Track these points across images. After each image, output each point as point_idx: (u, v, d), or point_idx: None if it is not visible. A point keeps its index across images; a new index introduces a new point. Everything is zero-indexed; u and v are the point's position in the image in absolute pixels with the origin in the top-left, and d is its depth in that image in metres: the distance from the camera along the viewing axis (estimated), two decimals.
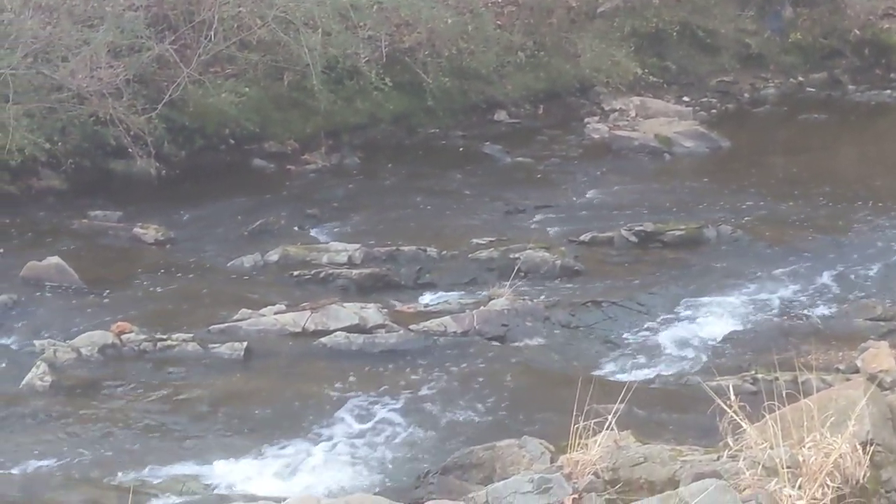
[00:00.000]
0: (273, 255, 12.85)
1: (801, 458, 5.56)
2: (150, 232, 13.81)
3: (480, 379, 9.80)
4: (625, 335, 10.92)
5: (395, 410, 9.19)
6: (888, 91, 23.12)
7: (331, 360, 10.29)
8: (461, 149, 18.55)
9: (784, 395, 6.07)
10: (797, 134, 20.38)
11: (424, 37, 19.18)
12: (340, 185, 16.45)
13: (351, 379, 9.84)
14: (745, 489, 5.47)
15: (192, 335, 10.57)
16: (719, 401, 5.94)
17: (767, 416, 5.96)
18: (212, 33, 16.97)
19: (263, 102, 17.72)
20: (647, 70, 21.80)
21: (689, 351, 10.52)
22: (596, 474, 5.88)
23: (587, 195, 16.02)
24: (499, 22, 20.90)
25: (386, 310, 11.22)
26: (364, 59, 18.21)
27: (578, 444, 6.09)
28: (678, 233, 13.57)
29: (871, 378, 6.59)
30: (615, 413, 6.09)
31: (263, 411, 9.24)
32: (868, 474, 5.52)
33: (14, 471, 8.22)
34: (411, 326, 10.82)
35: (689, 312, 11.40)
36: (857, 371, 9.34)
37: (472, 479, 6.97)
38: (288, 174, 16.96)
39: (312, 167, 17.30)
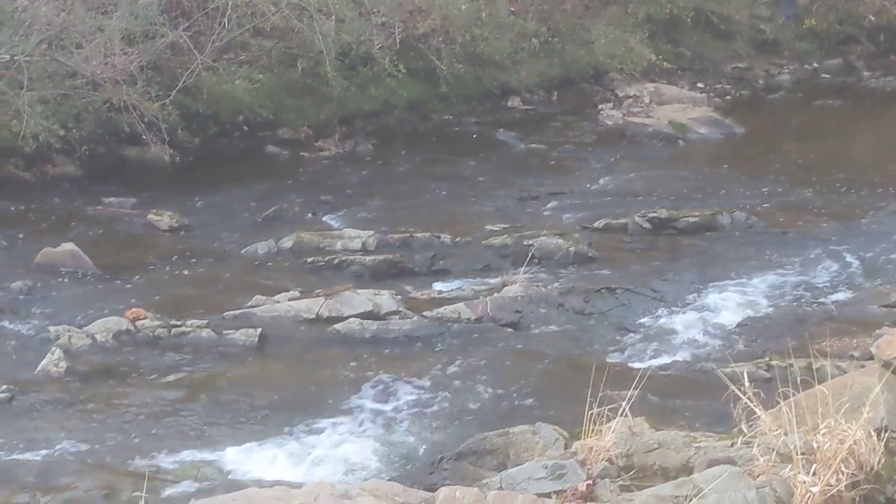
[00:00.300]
0: (287, 242, 12.86)
1: (815, 445, 5.57)
2: (164, 218, 13.83)
3: (494, 365, 9.80)
4: (639, 322, 10.91)
5: (408, 397, 9.20)
6: None
7: (345, 347, 10.30)
8: (475, 135, 18.54)
9: (798, 381, 6.07)
10: (812, 120, 20.33)
11: (438, 23, 19.17)
12: (354, 172, 16.45)
13: (365, 365, 9.85)
14: (759, 475, 5.48)
15: (206, 321, 10.59)
16: (733, 387, 5.95)
17: (782, 403, 5.97)
18: (225, 20, 16.98)
19: (277, 89, 17.73)
20: (661, 56, 21.75)
21: (704, 337, 10.50)
22: (610, 460, 5.89)
23: (601, 182, 16.01)
24: (512, 8, 20.87)
25: (400, 296, 11.22)
26: (378, 46, 18.21)
27: (592, 431, 6.10)
28: (692, 219, 13.55)
29: (886, 365, 6.58)
30: (629, 399, 6.10)
31: (278, 397, 9.25)
32: (883, 461, 5.52)
33: (29, 456, 8.24)
34: (425, 313, 10.82)
35: (703, 299, 11.39)
36: (871, 358, 9.29)
37: (486, 465, 6.98)
38: (301, 161, 16.97)
39: (326, 154, 17.30)
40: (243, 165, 16.40)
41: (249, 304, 11.03)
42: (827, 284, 11.83)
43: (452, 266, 12.40)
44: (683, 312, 11.06)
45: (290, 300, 11.05)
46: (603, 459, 5.89)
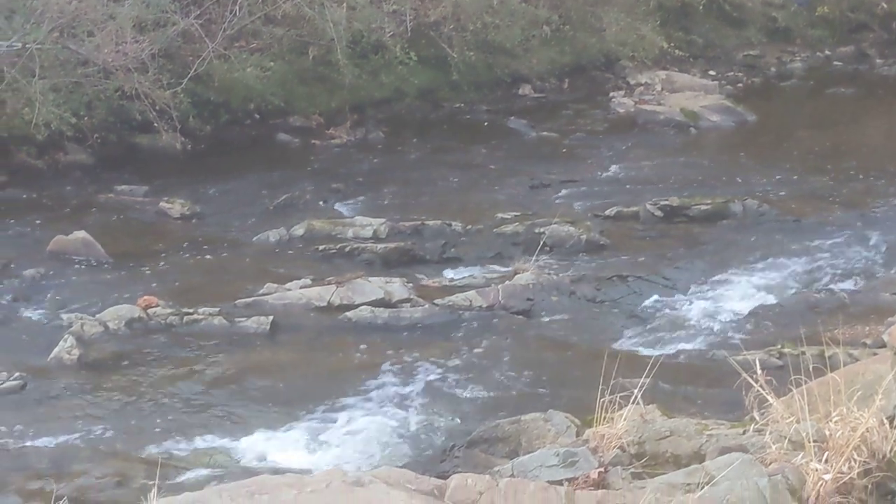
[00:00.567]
0: (298, 230, 12.87)
1: (827, 433, 5.56)
2: (175, 206, 13.84)
3: (506, 353, 9.81)
4: (650, 309, 10.90)
5: (420, 384, 9.21)
6: None
7: (356, 334, 10.32)
8: (486, 123, 18.52)
9: (811, 369, 6.06)
10: (824, 108, 20.27)
11: (449, 11, 19.13)
12: (365, 160, 16.44)
13: (376, 353, 9.86)
14: (771, 463, 5.47)
15: (218, 309, 10.61)
16: (746, 375, 5.94)
17: (794, 391, 5.96)
18: (237, 8, 16.97)
19: (288, 77, 17.72)
20: (672, 44, 21.70)
21: (715, 325, 10.50)
22: (622, 448, 5.89)
23: (612, 169, 15.98)
24: None
25: (411, 284, 11.23)
26: (389, 34, 18.19)
27: (604, 418, 6.10)
28: (704, 207, 13.53)
29: None
30: (641, 387, 6.09)
31: (289, 385, 9.27)
32: (895, 448, 5.50)
33: (42, 443, 8.27)
34: (436, 301, 10.83)
35: (714, 287, 11.38)
36: (883, 345, 9.28)
37: (498, 452, 6.99)
38: (313, 149, 16.96)
39: (337, 142, 17.29)
40: (255, 153, 16.40)
41: (261, 291, 11.04)
42: (839, 272, 11.81)
43: (464, 254, 12.40)
44: (695, 300, 11.06)
45: (301, 288, 11.06)
46: (615, 447, 5.89)
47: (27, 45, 14.69)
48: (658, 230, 13.20)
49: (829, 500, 5.31)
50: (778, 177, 15.30)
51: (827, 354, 7.11)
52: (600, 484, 5.51)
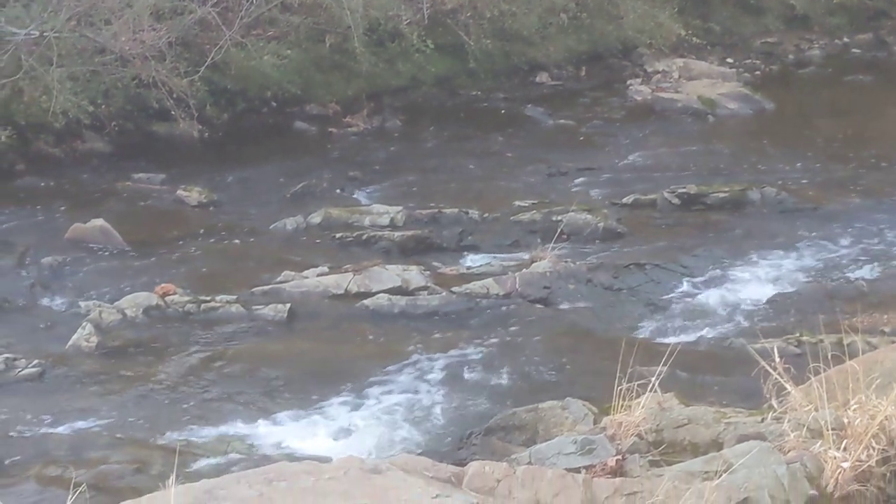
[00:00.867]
0: (316, 218, 12.88)
1: (846, 421, 5.54)
2: (193, 194, 13.86)
3: (523, 341, 9.80)
4: (668, 297, 10.88)
5: (437, 372, 9.22)
6: None
7: (373, 322, 10.32)
8: (503, 111, 18.49)
9: (829, 357, 6.04)
10: (842, 95, 20.18)
11: None
12: (382, 148, 16.44)
13: (393, 341, 9.87)
14: (789, 451, 5.46)
15: (235, 297, 10.62)
16: (764, 363, 5.93)
17: (812, 379, 5.94)
18: None
19: (305, 65, 17.71)
20: (690, 31, 21.61)
21: (733, 313, 10.48)
22: (639, 436, 5.88)
23: (630, 157, 15.95)
24: None
25: (428, 272, 11.23)
26: (406, 21, 18.17)
27: (622, 406, 6.09)
28: (722, 195, 13.50)
29: None
30: (658, 375, 6.08)
31: (307, 372, 9.28)
32: None
33: (61, 430, 8.30)
34: (453, 288, 10.83)
35: (732, 275, 11.35)
36: None
37: (515, 440, 6.99)
38: (330, 137, 16.96)
39: (354, 130, 17.29)
40: (272, 141, 16.41)
41: (278, 279, 11.05)
42: (857, 260, 11.77)
43: (481, 242, 12.40)
44: (713, 288, 11.04)
45: (318, 276, 11.07)
46: (632, 435, 5.88)
47: (45, 34, 14.71)
48: (675, 218, 13.17)
49: (847, 487, 5.30)
50: (796, 164, 15.25)
51: (845, 342, 7.06)
52: (618, 472, 5.50)
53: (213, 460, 7.70)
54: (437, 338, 9.89)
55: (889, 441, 5.43)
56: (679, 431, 5.94)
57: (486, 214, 12.98)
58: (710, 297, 10.81)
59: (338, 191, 14.34)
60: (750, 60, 22.23)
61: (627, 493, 5.12)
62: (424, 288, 10.80)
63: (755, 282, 11.15)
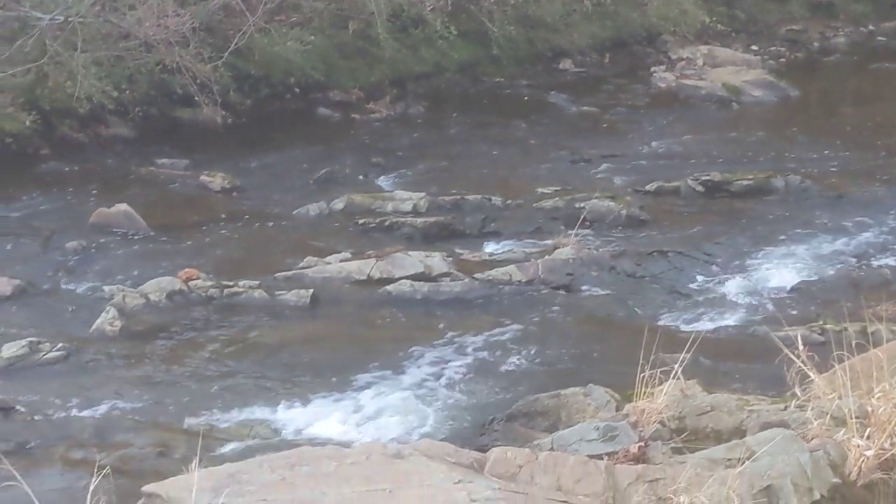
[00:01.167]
0: (338, 204, 12.89)
1: (869, 409, 5.53)
2: (216, 180, 13.89)
3: (545, 327, 9.80)
4: (691, 285, 10.86)
5: (460, 358, 9.22)
6: None
7: (396, 308, 10.33)
8: (526, 98, 18.46)
9: (853, 345, 6.02)
10: (867, 83, 20.08)
11: None
12: (405, 134, 16.44)
13: (416, 327, 9.88)
14: (812, 439, 5.45)
15: (258, 282, 10.64)
16: (787, 350, 5.91)
17: (836, 367, 5.92)
18: None
19: (328, 51, 17.72)
20: (715, 18, 21.55)
21: (757, 301, 10.44)
22: (662, 423, 5.88)
23: (653, 145, 15.91)
24: None
25: (451, 258, 11.23)
26: (429, 8, 18.16)
27: (644, 393, 6.08)
28: (746, 182, 13.46)
29: None
30: (681, 362, 6.06)
31: (330, 358, 9.29)
32: None
33: (85, 413, 8.33)
34: (476, 275, 10.82)
35: (756, 262, 11.31)
36: None
37: (538, 426, 6.99)
38: (353, 123, 16.97)
39: (377, 116, 17.29)
40: (295, 127, 16.42)
41: (301, 265, 11.07)
42: (882, 248, 11.72)
43: (503, 228, 12.39)
44: (736, 276, 11.00)
45: (341, 261, 11.08)
46: (655, 422, 5.87)
47: (69, 19, 14.76)
48: (699, 205, 13.14)
49: (870, 476, 5.29)
50: (821, 152, 15.18)
51: (869, 330, 7.06)
52: (640, 458, 5.50)
53: (235, 445, 7.72)
54: (459, 324, 9.89)
55: None
56: (702, 419, 5.94)
57: (508, 201, 12.97)
58: (734, 285, 10.78)
59: (361, 177, 14.35)
60: (775, 48, 22.15)
61: (650, 480, 5.12)
62: (447, 274, 10.80)
63: (779, 269, 11.11)
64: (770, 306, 10.32)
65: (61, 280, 10.98)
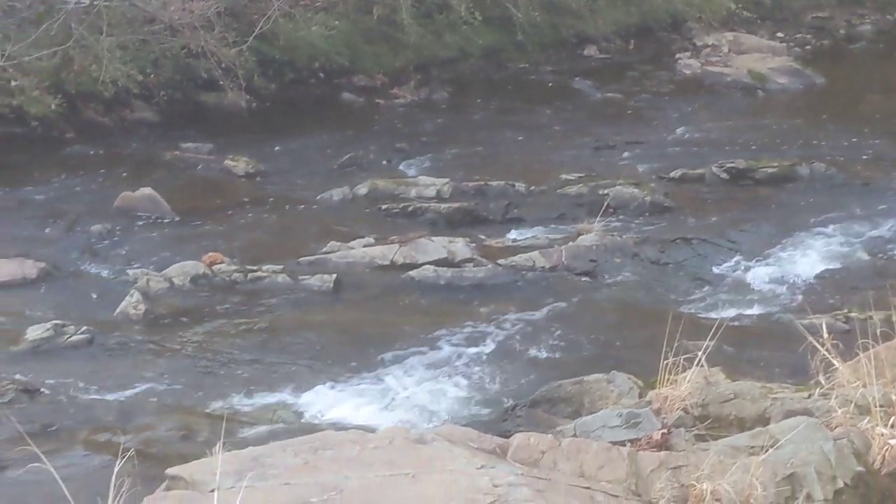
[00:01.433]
0: (362, 189, 12.90)
1: (894, 398, 5.51)
2: (240, 164, 13.91)
3: (568, 314, 9.79)
4: (715, 272, 10.83)
5: (482, 344, 9.21)
6: None
7: (419, 294, 10.33)
8: (551, 84, 18.43)
9: (878, 333, 6.00)
10: (893, 71, 19.97)
11: None
12: (429, 120, 16.43)
13: (439, 312, 9.88)
14: (836, 427, 5.43)
15: (282, 267, 10.66)
16: (812, 339, 5.89)
17: (861, 355, 5.90)
18: None
19: (353, 36, 17.72)
20: (740, 5, 21.46)
21: (781, 289, 10.41)
22: (685, 410, 5.87)
23: (678, 131, 15.87)
24: None
25: (474, 244, 11.23)
26: None
27: (668, 380, 6.07)
28: (771, 170, 13.40)
29: None
30: (705, 350, 6.04)
31: (352, 342, 9.30)
32: None
33: (109, 396, 8.37)
34: (499, 261, 10.82)
35: (780, 250, 11.27)
36: None
37: (561, 412, 6.98)
38: (377, 108, 16.98)
39: (401, 101, 17.29)
40: (319, 112, 16.44)
41: (325, 249, 11.08)
42: None
43: (527, 214, 12.38)
44: (761, 264, 10.97)
45: (365, 246, 11.09)
46: (678, 409, 5.86)
47: (95, 2, 14.80)
48: (724, 193, 13.10)
49: (894, 464, 5.27)
50: (846, 140, 15.11)
51: (894, 319, 7.01)
52: (663, 445, 5.48)
53: (259, 428, 7.74)
54: (482, 310, 9.89)
55: None
56: (725, 406, 5.92)
57: (532, 187, 12.95)
58: (758, 273, 10.74)
59: (384, 162, 14.36)
60: (800, 35, 22.05)
61: (673, 467, 5.11)
62: (470, 260, 10.80)
63: (803, 257, 11.07)
64: (794, 294, 10.28)
65: (86, 263, 11.02)
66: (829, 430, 5.37)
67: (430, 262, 10.73)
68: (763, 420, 5.75)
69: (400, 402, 8.21)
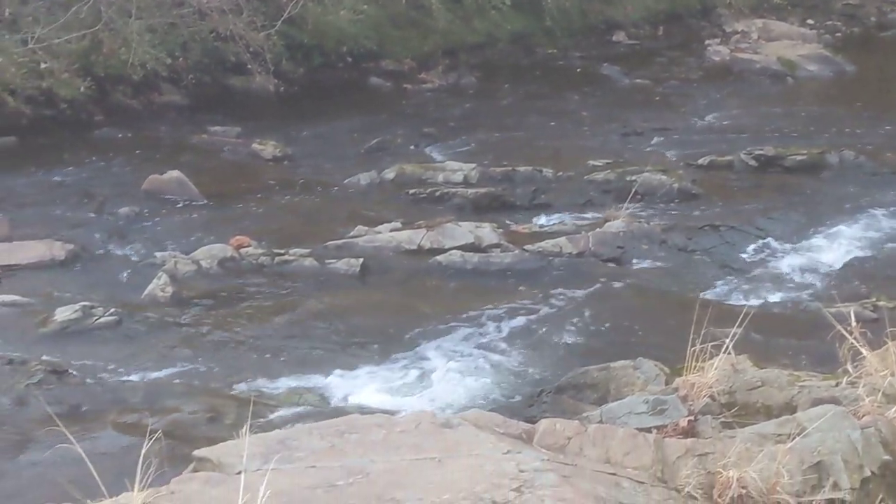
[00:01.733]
0: (389, 173, 12.90)
1: None
2: (268, 148, 13.94)
3: (595, 300, 9.78)
4: (743, 260, 10.80)
5: (509, 329, 9.21)
6: None
7: (445, 278, 10.34)
8: (579, 70, 18.39)
9: None
10: None
11: None
12: (457, 105, 16.42)
13: (465, 297, 9.88)
14: (864, 416, 5.40)
15: (309, 250, 10.68)
16: (840, 327, 5.86)
17: (889, 343, 5.87)
18: None
19: (381, 20, 17.71)
20: None
21: (809, 277, 10.37)
22: (712, 397, 5.84)
23: (706, 118, 15.82)
24: None
25: (501, 229, 11.22)
26: None
27: (694, 367, 6.04)
28: (799, 157, 13.34)
29: None
30: (732, 337, 6.02)
31: (379, 327, 9.31)
32: None
33: (136, 378, 8.40)
34: (526, 246, 10.81)
35: (809, 238, 11.23)
36: None
37: (587, 398, 6.97)
38: (404, 93, 16.97)
39: (429, 86, 17.29)
40: (347, 96, 16.45)
41: (352, 234, 11.10)
42: None
43: (554, 200, 12.36)
44: (789, 251, 10.93)
45: (392, 231, 11.10)
46: (705, 396, 5.83)
47: None
48: (752, 180, 13.05)
49: None
50: (876, 128, 15.03)
51: None
52: (689, 432, 5.47)
53: (285, 411, 7.75)
54: (509, 295, 9.89)
55: None
56: (752, 394, 5.90)
57: (559, 173, 12.93)
58: (786, 260, 10.71)
59: (412, 147, 14.36)
60: (831, 22, 21.94)
61: (699, 454, 5.10)
62: (497, 245, 10.79)
63: (832, 245, 11.02)
64: (822, 282, 10.24)
65: (114, 246, 11.07)
66: (856, 418, 5.35)
67: (456, 248, 10.73)
68: (790, 408, 5.72)
69: (426, 386, 8.22)
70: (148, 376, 8.44)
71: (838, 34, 21.30)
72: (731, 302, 9.71)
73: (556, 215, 11.97)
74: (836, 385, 5.80)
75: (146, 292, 9.85)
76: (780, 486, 4.85)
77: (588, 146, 14.29)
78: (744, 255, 10.89)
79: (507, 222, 11.64)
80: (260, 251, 10.65)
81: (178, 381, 8.36)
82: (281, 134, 14.50)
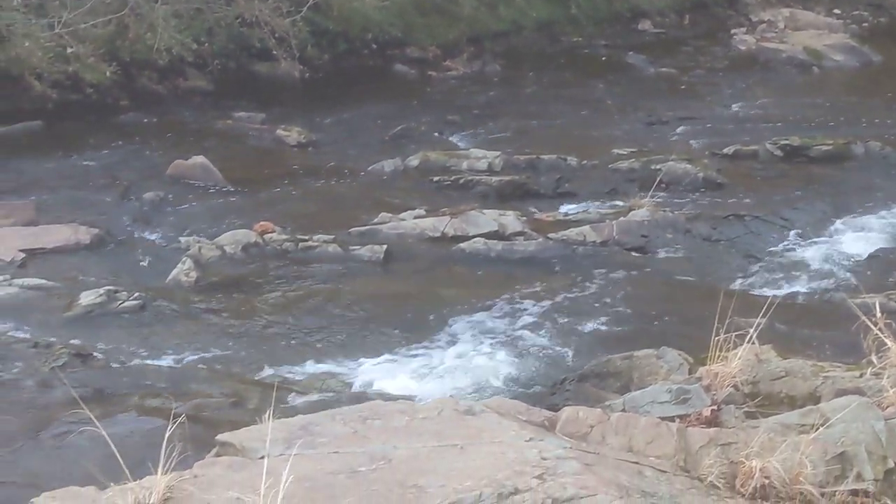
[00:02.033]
0: (413, 161, 12.90)
1: None
2: (292, 134, 13.95)
3: (618, 289, 9.76)
4: (767, 250, 10.76)
5: (532, 317, 9.21)
6: None
7: (469, 266, 10.34)
8: (604, 58, 18.34)
9: None
10: None
11: None
12: (481, 92, 16.40)
13: (489, 285, 9.87)
14: (888, 407, 5.38)
15: (332, 237, 10.69)
16: (864, 318, 5.83)
17: None
18: None
19: (407, 7, 17.70)
20: None
21: (834, 267, 10.33)
22: (735, 387, 5.83)
23: (732, 107, 15.76)
24: None
25: (525, 217, 11.21)
26: None
27: (718, 357, 6.03)
28: (825, 148, 13.28)
29: None
30: (756, 327, 6.00)
31: (402, 313, 9.33)
32: None
33: (160, 362, 8.44)
34: (550, 235, 10.80)
35: (834, 229, 11.19)
36: None
37: (609, 387, 6.96)
38: (429, 80, 16.96)
39: (454, 73, 17.27)
40: (371, 83, 16.44)
41: (375, 220, 11.10)
42: None
43: (578, 189, 12.34)
44: (814, 242, 10.90)
45: (415, 218, 11.10)
46: (728, 386, 5.82)
47: None
48: (777, 170, 13.00)
49: None
50: None
51: None
52: (713, 422, 5.46)
53: (308, 397, 7.77)
54: (532, 283, 9.88)
55: None
56: (776, 384, 5.88)
57: (584, 161, 12.90)
58: (811, 251, 10.67)
59: (436, 134, 14.35)
60: (858, 12, 21.81)
61: (722, 444, 5.09)
62: (521, 233, 10.78)
63: (857, 236, 10.98)
64: (847, 273, 10.20)
65: (138, 230, 11.11)
66: (880, 409, 5.33)
67: (480, 235, 10.72)
68: (814, 398, 5.71)
69: (449, 373, 8.23)
70: (172, 360, 8.47)
71: (865, 24, 21.19)
72: (755, 292, 9.68)
73: (581, 204, 11.96)
74: (861, 376, 5.78)
75: (170, 277, 9.88)
76: (804, 477, 4.84)
77: (613, 135, 14.26)
78: (768, 245, 10.86)
79: (531, 210, 11.63)
80: (284, 237, 10.67)
81: (201, 365, 8.39)
82: (305, 120, 14.52)
